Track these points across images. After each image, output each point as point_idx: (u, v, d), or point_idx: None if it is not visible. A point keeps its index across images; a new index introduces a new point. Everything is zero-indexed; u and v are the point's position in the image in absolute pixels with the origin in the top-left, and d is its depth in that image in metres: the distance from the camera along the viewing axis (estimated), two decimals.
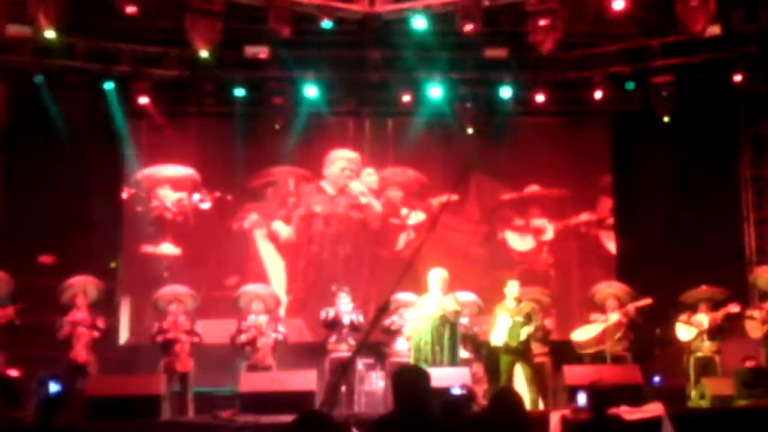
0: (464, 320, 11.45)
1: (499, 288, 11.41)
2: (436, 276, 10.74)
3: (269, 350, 11.61)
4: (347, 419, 9.27)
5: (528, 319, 11.12)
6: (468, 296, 11.86)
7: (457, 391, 9.32)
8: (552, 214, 14.67)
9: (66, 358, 11.38)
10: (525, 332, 11.07)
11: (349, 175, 14.63)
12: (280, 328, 11.88)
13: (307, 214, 14.53)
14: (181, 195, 14.37)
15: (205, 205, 14.37)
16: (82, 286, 11.75)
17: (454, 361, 10.57)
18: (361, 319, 11.75)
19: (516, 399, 5.75)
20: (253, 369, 11.46)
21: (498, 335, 11.14)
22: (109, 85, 13.18)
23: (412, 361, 10.50)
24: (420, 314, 10.61)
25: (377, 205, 14.60)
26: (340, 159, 14.63)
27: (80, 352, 11.38)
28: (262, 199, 14.53)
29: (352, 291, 12.19)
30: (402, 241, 14.57)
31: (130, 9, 11.06)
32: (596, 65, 13.55)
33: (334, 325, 11.73)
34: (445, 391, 9.26)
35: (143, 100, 13.38)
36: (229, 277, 13.98)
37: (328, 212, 14.55)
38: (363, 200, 14.54)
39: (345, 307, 11.78)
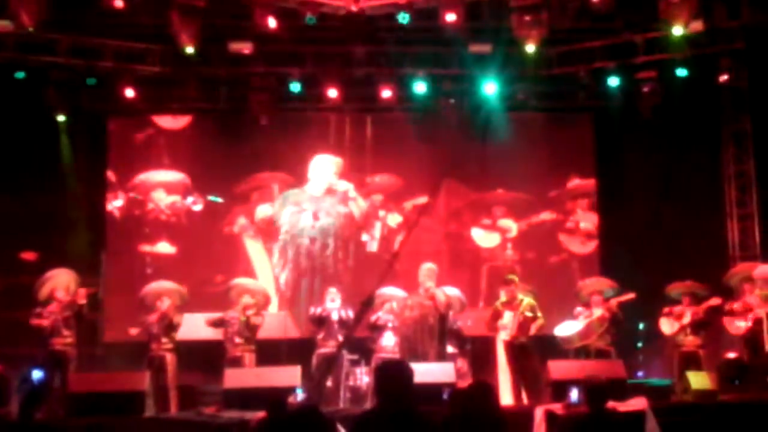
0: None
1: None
2: (427, 269, 10.79)
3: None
4: (332, 415, 9.26)
5: (534, 313, 11.43)
6: (452, 291, 11.88)
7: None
8: (532, 210, 14.67)
9: (45, 350, 11.28)
10: (534, 327, 11.43)
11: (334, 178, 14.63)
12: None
13: (296, 211, 14.50)
14: (175, 198, 14.36)
15: (198, 207, 14.31)
16: (60, 279, 11.64)
17: (442, 353, 10.60)
18: (350, 314, 11.79)
19: (490, 393, 5.74)
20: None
21: (508, 331, 11.36)
22: (91, 82, 13.08)
23: (400, 352, 10.53)
24: (412, 305, 10.65)
25: (362, 202, 14.59)
26: (327, 163, 14.57)
27: (60, 345, 11.29)
28: (249, 202, 14.49)
29: (341, 283, 12.22)
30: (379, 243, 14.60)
31: (118, 3, 10.98)
32: (580, 61, 13.56)
33: (322, 322, 11.79)
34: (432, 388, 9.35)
35: (127, 94, 13.30)
36: (217, 275, 13.92)
37: (315, 208, 14.54)
38: (351, 195, 14.51)
39: (333, 304, 11.83)
